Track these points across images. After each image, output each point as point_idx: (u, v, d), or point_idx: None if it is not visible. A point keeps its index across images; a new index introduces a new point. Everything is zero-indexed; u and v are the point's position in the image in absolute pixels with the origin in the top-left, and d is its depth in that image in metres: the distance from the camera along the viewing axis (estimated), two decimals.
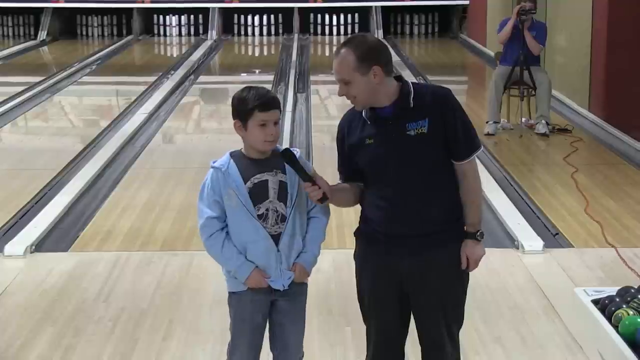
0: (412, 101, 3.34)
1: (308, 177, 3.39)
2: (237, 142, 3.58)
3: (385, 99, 3.35)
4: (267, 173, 3.48)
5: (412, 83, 3.41)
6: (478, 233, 3.44)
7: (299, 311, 3.62)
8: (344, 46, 3.33)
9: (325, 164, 7.84)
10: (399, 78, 3.41)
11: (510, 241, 6.12)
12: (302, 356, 3.67)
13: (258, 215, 3.45)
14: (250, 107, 3.44)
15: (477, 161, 3.51)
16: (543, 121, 9.20)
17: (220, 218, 3.47)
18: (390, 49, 3.55)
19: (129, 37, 19.21)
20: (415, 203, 3.34)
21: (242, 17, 19.64)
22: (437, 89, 3.41)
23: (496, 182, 7.43)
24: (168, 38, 19.69)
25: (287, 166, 3.49)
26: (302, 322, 3.64)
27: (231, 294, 3.58)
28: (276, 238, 3.48)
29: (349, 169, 3.48)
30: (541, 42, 9.23)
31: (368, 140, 3.36)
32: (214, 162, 3.52)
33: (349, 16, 19.47)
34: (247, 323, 3.55)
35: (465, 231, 3.44)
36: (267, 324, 3.61)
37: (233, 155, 3.53)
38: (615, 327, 3.81)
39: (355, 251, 3.55)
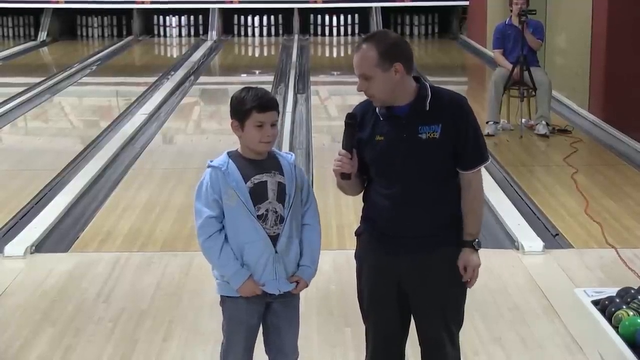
0: (428, 104, 3.33)
1: (351, 147, 3.34)
2: (237, 143, 3.58)
3: (403, 98, 3.33)
4: (266, 174, 3.48)
5: (431, 86, 3.39)
6: (475, 242, 3.42)
7: (293, 312, 3.61)
8: (366, 42, 3.31)
9: (326, 165, 7.85)
10: (417, 79, 3.39)
11: (510, 242, 6.12)
12: (298, 357, 3.67)
13: (258, 215, 3.45)
14: (247, 107, 3.44)
15: None
16: (543, 122, 9.20)
17: (218, 218, 3.46)
18: None
19: (129, 38, 19.21)
20: (417, 205, 3.34)
21: (242, 17, 19.64)
22: (455, 96, 3.39)
23: (496, 182, 7.43)
24: (168, 39, 19.68)
25: (284, 168, 3.50)
26: (296, 323, 3.64)
27: (224, 297, 3.56)
28: (274, 239, 3.47)
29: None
30: (539, 38, 9.31)
31: (378, 137, 3.35)
32: (211, 162, 3.51)
33: (349, 17, 19.46)
34: (243, 325, 3.54)
35: (463, 240, 3.41)
36: (261, 326, 3.60)
37: (231, 154, 3.52)
38: (615, 327, 3.81)
39: (355, 251, 3.55)
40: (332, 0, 19.23)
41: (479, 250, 3.43)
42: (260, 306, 3.54)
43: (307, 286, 3.57)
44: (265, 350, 3.64)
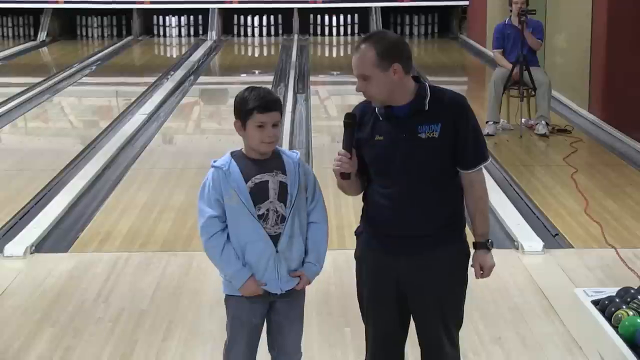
0: (427, 104, 3.32)
1: (350, 147, 3.34)
2: (236, 143, 3.58)
3: (402, 98, 3.32)
4: (268, 174, 3.48)
5: (430, 86, 3.38)
6: (489, 242, 3.46)
7: (297, 312, 3.62)
8: (364, 42, 3.31)
9: (326, 165, 7.85)
10: (417, 78, 3.39)
11: (510, 242, 6.12)
12: (301, 357, 3.68)
13: (258, 215, 3.45)
14: (249, 107, 3.44)
15: None
16: (543, 122, 9.21)
17: (221, 217, 3.47)
18: None
19: (129, 38, 19.22)
20: (417, 205, 3.33)
21: (242, 17, 19.65)
22: (454, 95, 3.38)
23: (496, 182, 7.43)
24: (168, 39, 19.69)
25: (287, 167, 3.50)
26: (300, 322, 3.64)
27: (229, 296, 3.58)
28: (275, 239, 3.47)
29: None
30: (539, 38, 9.34)
31: (378, 137, 3.34)
32: (214, 162, 3.52)
33: (349, 17, 19.47)
34: (245, 324, 3.55)
35: (475, 242, 3.45)
36: (265, 323, 3.61)
37: (234, 155, 3.53)
38: (615, 327, 3.82)
39: (355, 251, 3.55)
40: (332, 0, 19.24)
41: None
42: (264, 306, 3.54)
43: (309, 283, 3.58)
44: (268, 348, 3.65)
